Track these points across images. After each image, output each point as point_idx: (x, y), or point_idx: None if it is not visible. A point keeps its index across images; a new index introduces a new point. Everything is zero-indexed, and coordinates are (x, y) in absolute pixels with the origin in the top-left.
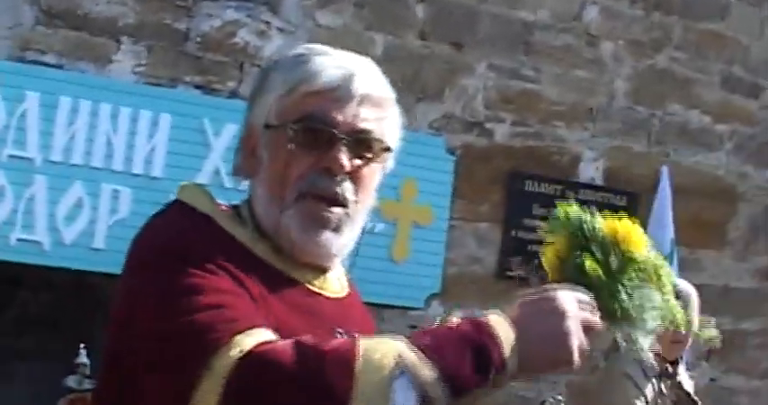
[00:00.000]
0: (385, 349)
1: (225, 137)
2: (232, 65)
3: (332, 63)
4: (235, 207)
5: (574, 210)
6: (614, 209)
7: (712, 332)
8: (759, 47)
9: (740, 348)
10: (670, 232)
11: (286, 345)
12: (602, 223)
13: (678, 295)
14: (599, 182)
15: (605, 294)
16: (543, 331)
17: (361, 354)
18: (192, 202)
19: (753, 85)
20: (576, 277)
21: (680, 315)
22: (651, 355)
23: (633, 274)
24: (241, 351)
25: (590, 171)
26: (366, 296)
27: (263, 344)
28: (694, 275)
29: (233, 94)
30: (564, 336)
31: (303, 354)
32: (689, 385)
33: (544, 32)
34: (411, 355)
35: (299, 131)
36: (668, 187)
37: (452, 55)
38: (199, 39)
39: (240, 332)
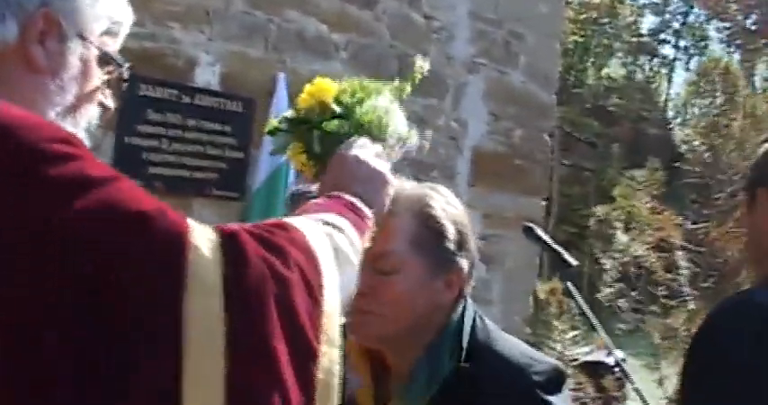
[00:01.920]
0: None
1: None
2: None
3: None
4: None
5: (285, 117)
6: (230, 114)
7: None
8: None
9: None
10: None
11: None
12: (303, 102)
13: None
14: (215, 87)
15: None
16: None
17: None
18: None
19: None
20: (330, 145)
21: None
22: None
23: (358, 102)
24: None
25: (207, 76)
26: None
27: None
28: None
29: None
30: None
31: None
32: None
33: None
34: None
35: (115, 71)
36: (285, 94)
37: None
38: None
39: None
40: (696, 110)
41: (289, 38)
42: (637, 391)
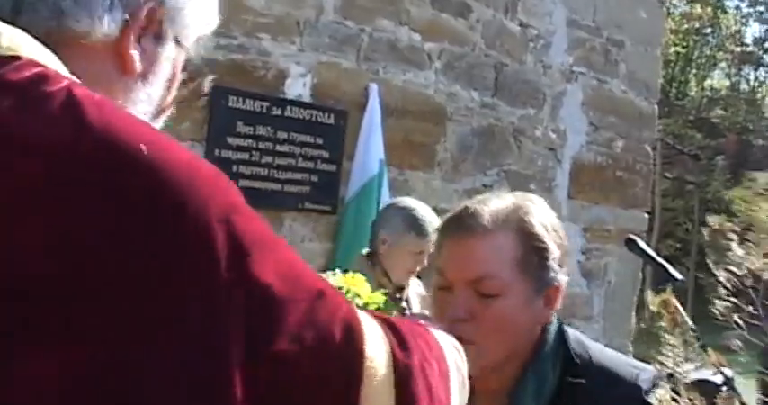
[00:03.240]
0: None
1: None
2: None
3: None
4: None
5: None
6: (322, 126)
7: None
8: None
9: None
10: (379, 152)
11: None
12: None
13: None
14: (306, 99)
15: None
16: None
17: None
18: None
19: (461, 4)
20: None
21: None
22: None
23: None
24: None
25: (297, 87)
26: None
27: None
28: (404, 197)
29: None
30: None
31: None
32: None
33: None
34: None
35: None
36: (377, 105)
37: None
38: None
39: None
40: None
41: (381, 48)
42: None
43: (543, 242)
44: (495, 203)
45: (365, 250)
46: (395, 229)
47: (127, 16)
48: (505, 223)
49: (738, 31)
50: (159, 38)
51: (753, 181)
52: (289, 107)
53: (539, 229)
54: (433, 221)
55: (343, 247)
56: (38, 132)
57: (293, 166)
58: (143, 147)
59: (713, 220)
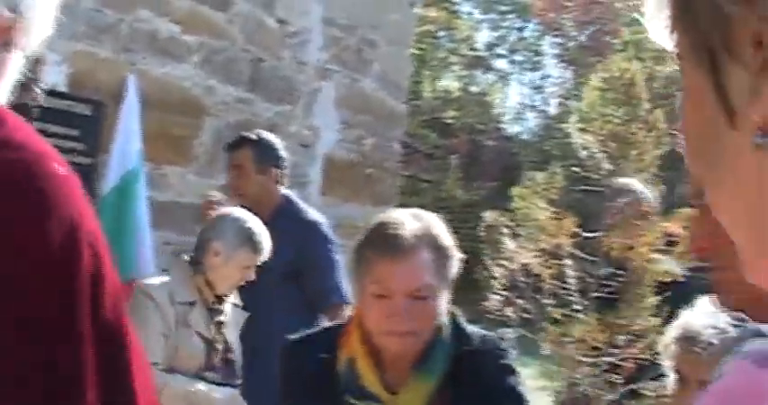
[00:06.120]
0: None
1: None
2: None
3: None
4: None
5: None
6: (78, 118)
7: None
8: None
9: None
10: (137, 145)
11: None
12: None
13: None
14: (63, 88)
15: None
16: None
17: None
18: None
19: None
20: None
21: None
22: None
23: None
24: None
25: (54, 76)
26: None
27: None
28: (161, 193)
29: None
30: None
31: None
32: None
33: None
34: None
35: None
36: (135, 97)
37: None
38: None
39: None
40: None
41: (140, 38)
42: None
43: (450, 251)
44: (409, 224)
45: (186, 256)
46: (229, 241)
47: None
48: (421, 242)
49: (470, 36)
50: (8, 45)
51: (531, 180)
52: (46, 97)
53: (445, 243)
54: (265, 234)
55: None
56: None
57: None
58: None
59: (489, 215)
